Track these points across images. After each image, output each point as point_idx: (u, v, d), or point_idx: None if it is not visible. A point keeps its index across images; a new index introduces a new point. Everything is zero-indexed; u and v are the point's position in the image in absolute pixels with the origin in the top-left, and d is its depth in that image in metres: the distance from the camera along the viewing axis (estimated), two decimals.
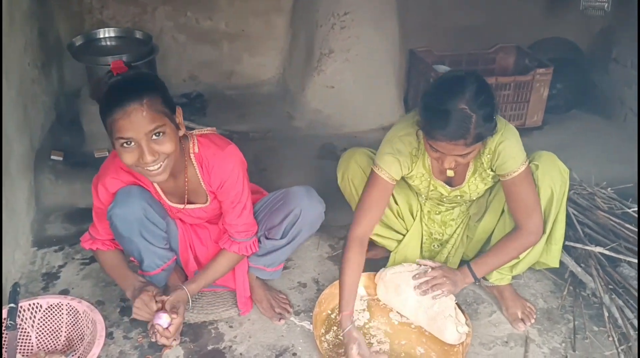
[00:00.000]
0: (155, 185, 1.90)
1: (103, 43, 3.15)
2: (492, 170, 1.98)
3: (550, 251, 2.16)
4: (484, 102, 1.74)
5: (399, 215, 2.26)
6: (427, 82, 3.44)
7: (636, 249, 2.32)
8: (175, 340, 2.00)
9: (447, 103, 1.73)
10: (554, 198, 2.02)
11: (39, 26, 2.92)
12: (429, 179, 2.07)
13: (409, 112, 2.12)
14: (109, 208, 1.82)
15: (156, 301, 1.83)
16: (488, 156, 1.94)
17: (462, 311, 2.04)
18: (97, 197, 1.87)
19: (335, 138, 3.40)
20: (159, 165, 1.66)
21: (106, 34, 3.17)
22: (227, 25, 3.59)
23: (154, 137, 1.61)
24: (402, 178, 2.09)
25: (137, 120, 1.56)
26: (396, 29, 3.44)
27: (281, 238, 2.00)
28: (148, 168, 1.65)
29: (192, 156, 1.83)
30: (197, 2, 3.49)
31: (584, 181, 2.82)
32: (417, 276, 2.08)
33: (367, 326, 2.12)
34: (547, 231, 2.07)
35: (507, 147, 1.90)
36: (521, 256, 2.09)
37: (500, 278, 2.15)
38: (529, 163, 1.99)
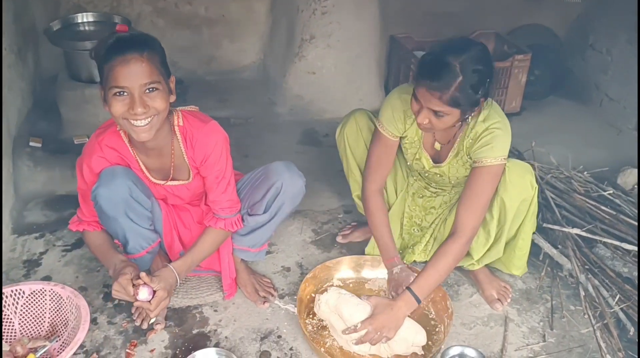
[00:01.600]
0: (140, 162, 1.89)
1: (81, 28, 3.09)
2: (469, 157, 2.00)
3: (514, 258, 2.18)
4: (477, 72, 1.74)
5: None
6: (407, 68, 3.46)
7: (611, 230, 2.39)
8: (159, 323, 2.01)
9: (443, 55, 1.74)
10: (519, 207, 2.01)
11: (13, 10, 2.86)
12: (417, 147, 2.09)
13: None
14: (93, 188, 1.81)
15: (134, 284, 1.77)
16: (471, 140, 1.95)
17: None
18: (82, 178, 1.87)
19: (317, 123, 3.42)
20: (147, 120, 1.68)
21: (84, 18, 3.11)
22: (206, 10, 3.56)
23: (147, 91, 1.64)
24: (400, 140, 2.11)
25: (135, 70, 1.60)
26: (377, 14, 3.45)
27: (264, 212, 2.01)
28: (136, 122, 1.67)
29: (176, 129, 1.85)
30: None
31: (562, 165, 2.88)
32: (347, 330, 1.91)
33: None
34: (506, 236, 2.07)
35: (490, 135, 1.90)
36: (483, 251, 2.11)
37: (470, 263, 2.18)
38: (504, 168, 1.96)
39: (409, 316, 1.95)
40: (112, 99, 1.64)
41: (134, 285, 1.75)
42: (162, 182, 1.96)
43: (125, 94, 1.63)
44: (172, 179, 1.95)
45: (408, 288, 1.92)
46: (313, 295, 2.15)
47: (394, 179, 2.28)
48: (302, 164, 2.31)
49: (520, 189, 1.98)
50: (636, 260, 2.24)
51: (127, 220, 1.87)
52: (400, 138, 2.10)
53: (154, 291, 1.77)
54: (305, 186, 2.02)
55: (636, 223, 2.39)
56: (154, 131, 1.71)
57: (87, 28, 3.11)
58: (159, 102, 1.67)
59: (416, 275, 2.01)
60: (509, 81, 3.45)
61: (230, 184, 1.94)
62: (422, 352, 1.96)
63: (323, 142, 3.27)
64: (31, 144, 2.81)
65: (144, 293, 1.75)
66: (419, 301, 1.91)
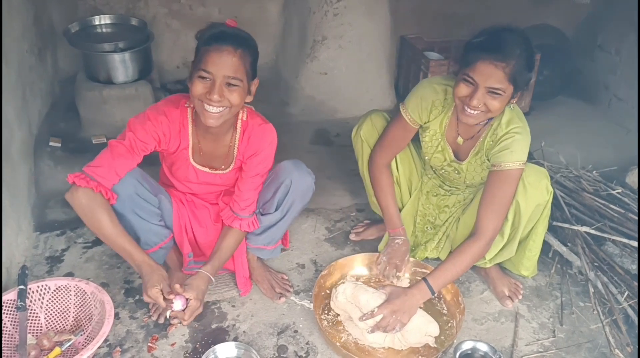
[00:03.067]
0: (191, 143, 1.95)
1: (99, 30, 3.16)
2: (488, 159, 2.04)
3: (524, 259, 2.23)
4: (530, 50, 1.81)
5: (397, 183, 2.33)
6: (417, 68, 3.51)
7: (620, 228, 2.43)
8: (176, 317, 2.05)
9: (499, 31, 1.80)
10: (534, 210, 2.05)
11: (34, 12, 2.93)
12: (440, 139, 2.12)
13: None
14: None
15: (164, 298, 1.80)
16: (492, 141, 1.99)
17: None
18: (130, 130, 1.82)
19: (328, 123, 3.47)
20: (219, 109, 1.77)
21: (101, 20, 3.18)
22: (220, 11, 3.62)
23: (228, 84, 1.74)
24: (420, 130, 2.15)
25: (225, 61, 1.71)
26: (387, 16, 3.50)
27: (275, 210, 2.07)
28: (209, 107, 1.76)
29: (239, 122, 1.95)
30: None
31: (571, 164, 2.92)
32: (363, 316, 1.98)
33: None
34: (519, 237, 2.10)
35: (510, 139, 1.94)
36: (495, 251, 2.14)
37: (482, 262, 2.22)
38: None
39: (421, 308, 2.01)
40: (196, 79, 1.75)
41: (164, 298, 1.80)
42: (200, 167, 2.02)
43: (208, 80, 1.73)
44: (212, 168, 2.03)
45: (424, 278, 1.98)
46: (328, 291, 2.20)
47: (409, 178, 2.33)
48: (314, 164, 2.38)
49: (537, 193, 2.02)
50: None
51: (135, 217, 1.93)
52: (421, 129, 2.14)
53: (187, 300, 1.84)
54: (315, 183, 2.08)
55: None
56: (222, 120, 1.80)
57: (104, 30, 3.17)
58: (235, 97, 1.76)
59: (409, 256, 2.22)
60: None
61: (261, 186, 2.03)
62: (435, 345, 2.02)
63: (334, 141, 3.33)
64: (51, 144, 2.88)
65: (178, 305, 1.82)
66: (433, 292, 1.97)
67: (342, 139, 3.30)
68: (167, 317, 2.03)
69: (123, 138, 1.84)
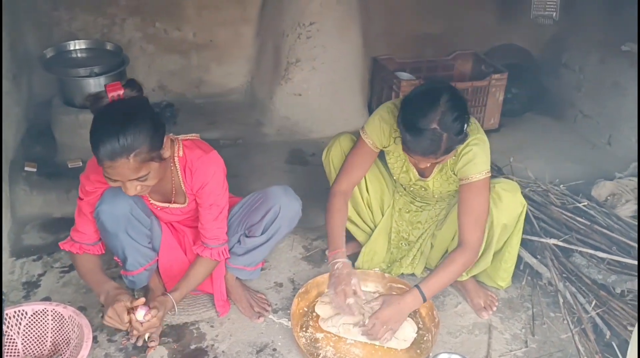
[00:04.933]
0: None
1: (74, 55, 3.18)
2: (454, 173, 2.11)
3: (500, 270, 2.29)
4: (456, 119, 1.86)
5: (368, 206, 2.38)
6: (389, 89, 3.60)
7: (587, 240, 2.51)
8: (153, 340, 2.08)
9: (420, 122, 1.85)
10: (508, 222, 2.13)
11: (9, 38, 2.95)
12: (403, 160, 2.19)
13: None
14: (97, 205, 1.90)
15: (130, 309, 1.85)
16: (453, 157, 2.06)
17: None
18: (83, 190, 1.93)
19: (304, 143, 3.53)
20: (140, 192, 1.79)
21: (77, 46, 3.20)
22: (195, 35, 3.67)
23: (138, 181, 1.73)
24: (382, 153, 2.22)
25: (123, 171, 1.68)
26: (359, 38, 3.59)
27: (261, 234, 2.10)
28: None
29: (176, 159, 1.93)
30: (166, 13, 3.56)
31: (539, 179, 3.01)
32: (359, 324, 2.10)
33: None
34: (493, 248, 2.17)
35: (470, 152, 2.01)
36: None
37: (460, 276, 2.26)
38: (495, 185, 2.10)
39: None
40: (106, 179, 1.73)
41: (128, 312, 1.84)
42: (161, 204, 2.05)
43: (117, 181, 1.72)
44: (174, 203, 2.04)
45: (417, 286, 2.06)
46: (305, 309, 2.24)
47: (380, 196, 2.39)
48: (290, 183, 2.42)
49: (510, 205, 2.11)
50: (610, 267, 2.37)
51: (126, 237, 1.96)
52: (385, 152, 2.21)
53: (150, 314, 1.87)
54: (302, 209, 2.13)
55: (610, 233, 2.53)
56: (147, 191, 1.83)
57: (79, 55, 3.19)
58: (151, 182, 1.76)
59: (356, 272, 2.17)
60: (487, 99, 3.60)
61: (222, 213, 2.02)
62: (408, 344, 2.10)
63: (310, 161, 3.38)
64: (26, 168, 2.87)
65: (140, 314, 1.85)
66: (424, 300, 2.06)
67: (317, 159, 3.34)
68: (146, 339, 2.05)
69: (81, 191, 1.94)
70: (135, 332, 1.91)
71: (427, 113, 1.85)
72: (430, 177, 2.18)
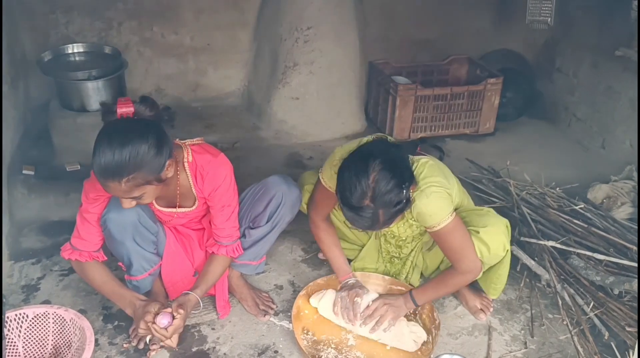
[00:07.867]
0: None
1: (72, 58, 3.18)
2: (414, 220, 2.10)
3: (489, 279, 2.23)
4: (390, 191, 1.72)
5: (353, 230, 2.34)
6: (386, 92, 3.62)
7: (584, 242, 2.54)
8: (155, 343, 2.06)
9: (352, 199, 1.74)
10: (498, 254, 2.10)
11: (6, 42, 2.94)
12: None
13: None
14: (104, 213, 1.90)
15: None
16: (409, 211, 1.91)
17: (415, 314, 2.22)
18: (87, 197, 1.91)
19: (301, 147, 3.55)
20: (138, 204, 1.81)
21: (75, 49, 3.21)
22: (192, 39, 3.68)
23: (133, 199, 1.75)
24: None
25: (115, 191, 1.69)
26: (356, 42, 3.61)
27: (266, 222, 2.12)
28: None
29: (185, 164, 1.93)
30: (163, 17, 3.57)
31: (535, 182, 3.04)
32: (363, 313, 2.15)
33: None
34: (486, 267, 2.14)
35: (424, 207, 1.89)
36: None
37: None
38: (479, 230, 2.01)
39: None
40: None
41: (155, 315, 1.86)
42: (167, 210, 2.05)
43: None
44: (179, 207, 2.04)
45: (410, 293, 2.16)
46: (306, 311, 2.24)
47: None
48: None
49: (493, 255, 2.06)
50: (607, 269, 2.40)
51: (133, 244, 1.96)
52: None
53: (172, 318, 1.87)
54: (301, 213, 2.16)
55: (607, 235, 2.56)
56: (146, 204, 1.85)
57: (77, 58, 3.20)
58: (147, 200, 1.78)
59: (365, 287, 2.23)
60: (482, 104, 3.64)
61: (234, 213, 2.04)
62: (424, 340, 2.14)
63: (307, 164, 3.39)
64: (24, 172, 2.87)
65: (164, 322, 1.86)
66: (416, 304, 2.15)
67: (315, 162, 3.37)
68: (147, 342, 2.05)
69: (85, 198, 1.92)
70: (162, 338, 1.88)
71: (358, 189, 1.72)
72: (393, 224, 1.93)
